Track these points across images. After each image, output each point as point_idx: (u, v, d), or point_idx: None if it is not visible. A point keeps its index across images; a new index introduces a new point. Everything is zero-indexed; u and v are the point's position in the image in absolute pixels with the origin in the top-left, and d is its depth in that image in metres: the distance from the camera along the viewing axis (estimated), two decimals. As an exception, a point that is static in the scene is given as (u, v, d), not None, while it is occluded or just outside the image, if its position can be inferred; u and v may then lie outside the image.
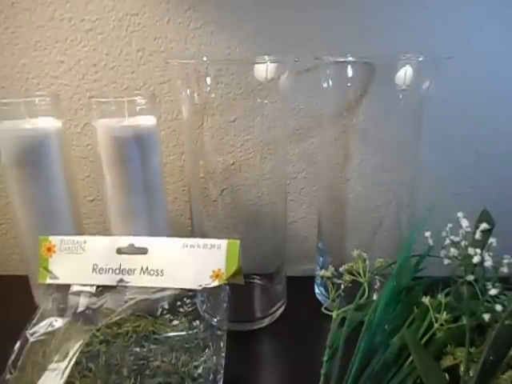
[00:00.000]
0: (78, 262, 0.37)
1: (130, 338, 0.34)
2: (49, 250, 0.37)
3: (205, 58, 0.42)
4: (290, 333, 0.44)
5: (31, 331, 0.34)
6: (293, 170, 0.51)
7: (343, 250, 0.46)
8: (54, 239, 0.37)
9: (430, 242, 0.37)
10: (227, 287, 0.35)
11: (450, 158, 0.49)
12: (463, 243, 0.35)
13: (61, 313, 0.35)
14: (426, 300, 0.34)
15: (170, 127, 0.50)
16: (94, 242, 0.37)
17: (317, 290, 0.49)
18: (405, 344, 0.33)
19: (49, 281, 0.37)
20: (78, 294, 0.36)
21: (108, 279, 0.36)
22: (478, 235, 0.36)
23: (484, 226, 0.36)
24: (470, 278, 0.34)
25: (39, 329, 0.34)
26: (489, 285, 0.34)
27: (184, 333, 0.35)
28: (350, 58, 0.40)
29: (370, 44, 0.46)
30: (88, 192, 0.52)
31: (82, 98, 0.48)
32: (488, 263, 0.34)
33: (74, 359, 0.32)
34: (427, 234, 0.37)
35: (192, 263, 0.36)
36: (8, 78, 0.48)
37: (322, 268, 0.46)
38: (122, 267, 0.36)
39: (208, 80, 0.38)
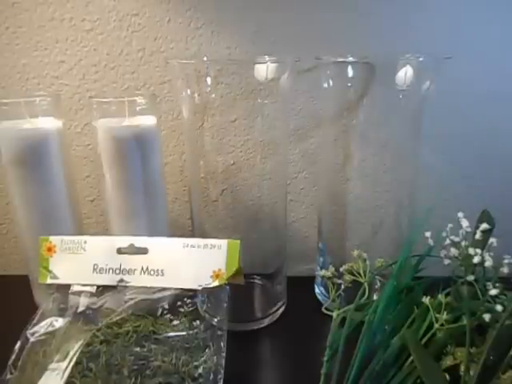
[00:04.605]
0: (78, 262, 0.37)
1: (131, 338, 0.34)
2: (49, 249, 0.37)
3: (205, 58, 0.42)
4: (290, 333, 0.44)
5: (31, 331, 0.34)
6: (293, 170, 0.51)
7: (343, 250, 0.46)
8: (55, 239, 0.37)
9: (431, 242, 0.37)
10: (227, 287, 0.35)
11: (450, 158, 0.49)
12: (463, 243, 0.35)
13: (61, 313, 0.35)
14: (426, 300, 0.34)
15: (170, 127, 0.50)
16: (95, 242, 0.37)
17: (317, 290, 0.49)
18: (405, 344, 0.33)
19: (49, 281, 0.37)
20: (79, 293, 0.36)
21: (108, 279, 0.36)
22: (478, 235, 0.36)
23: (484, 226, 0.36)
24: (471, 278, 0.34)
25: (39, 329, 0.34)
26: (489, 285, 0.34)
27: (184, 333, 0.35)
28: (351, 58, 0.40)
29: (370, 44, 0.46)
30: (88, 192, 0.52)
31: (83, 98, 0.48)
32: (488, 263, 0.34)
33: (74, 359, 0.32)
34: (427, 234, 0.37)
35: (192, 263, 0.36)
36: (8, 77, 0.48)
37: (322, 268, 0.46)
38: (122, 267, 0.36)
39: (208, 80, 0.38)
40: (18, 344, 0.33)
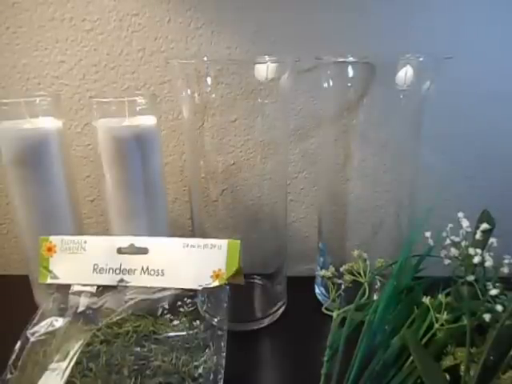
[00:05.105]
0: (78, 262, 0.37)
1: (131, 338, 0.34)
2: (49, 249, 0.37)
3: (205, 58, 0.42)
4: (290, 333, 0.44)
5: (32, 331, 0.34)
6: (293, 170, 0.51)
7: (343, 250, 0.46)
8: (55, 239, 0.37)
9: (431, 242, 0.37)
10: (227, 287, 0.35)
11: (450, 158, 0.49)
12: (464, 243, 0.35)
13: (61, 313, 0.35)
14: (426, 300, 0.34)
15: (170, 127, 0.50)
16: (95, 242, 0.37)
17: (317, 290, 0.49)
18: (405, 344, 0.33)
19: (49, 281, 0.37)
20: (79, 293, 0.36)
21: (108, 279, 0.36)
22: (478, 235, 0.36)
23: (484, 226, 0.36)
24: (471, 278, 0.34)
25: (40, 328, 0.34)
26: (489, 285, 0.34)
27: (184, 333, 0.35)
28: (351, 58, 0.40)
29: (370, 44, 0.46)
30: (88, 192, 0.52)
31: (83, 98, 0.48)
32: (488, 263, 0.34)
33: (74, 359, 0.32)
34: (427, 234, 0.37)
35: (192, 263, 0.36)
36: (9, 77, 0.48)
37: (322, 268, 0.46)
38: (122, 267, 0.36)
39: (208, 80, 0.38)
40: (18, 344, 0.33)
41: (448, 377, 0.31)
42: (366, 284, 0.36)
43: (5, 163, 0.40)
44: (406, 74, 0.39)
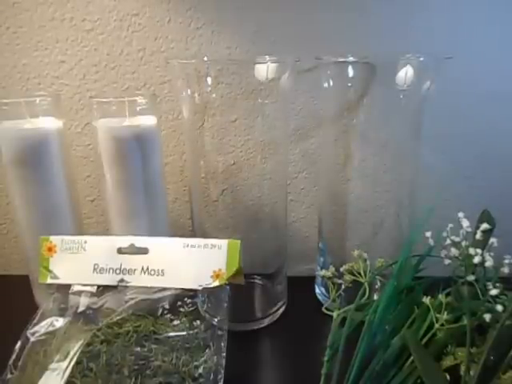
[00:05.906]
0: (78, 262, 0.37)
1: (131, 338, 0.34)
2: (49, 249, 0.37)
3: (205, 58, 0.42)
4: (290, 333, 0.44)
5: (32, 331, 0.34)
6: (293, 170, 0.51)
7: (344, 250, 0.46)
8: (55, 239, 0.37)
9: (431, 242, 0.37)
10: (228, 287, 0.35)
11: (450, 158, 0.49)
12: (464, 243, 0.35)
13: (61, 312, 0.35)
14: (426, 300, 0.34)
15: (170, 127, 0.50)
16: (95, 242, 0.37)
17: (317, 290, 0.49)
18: (405, 344, 0.33)
19: (49, 281, 0.37)
20: (79, 293, 0.36)
21: (109, 279, 0.36)
22: (478, 235, 0.36)
23: (485, 226, 0.36)
24: (471, 278, 0.34)
25: (40, 328, 0.34)
26: (489, 285, 0.34)
27: (184, 333, 0.35)
28: (351, 58, 0.40)
29: (370, 44, 0.46)
30: (89, 192, 0.52)
31: (83, 98, 0.48)
32: (489, 263, 0.34)
33: (74, 359, 0.32)
34: (428, 234, 0.37)
35: (193, 263, 0.36)
36: (9, 77, 0.48)
37: (322, 268, 0.46)
38: (122, 267, 0.36)
39: (209, 80, 0.38)
40: (19, 344, 0.33)
41: (448, 377, 0.31)
42: (366, 284, 0.36)
43: (5, 163, 0.40)
44: (406, 74, 0.39)
